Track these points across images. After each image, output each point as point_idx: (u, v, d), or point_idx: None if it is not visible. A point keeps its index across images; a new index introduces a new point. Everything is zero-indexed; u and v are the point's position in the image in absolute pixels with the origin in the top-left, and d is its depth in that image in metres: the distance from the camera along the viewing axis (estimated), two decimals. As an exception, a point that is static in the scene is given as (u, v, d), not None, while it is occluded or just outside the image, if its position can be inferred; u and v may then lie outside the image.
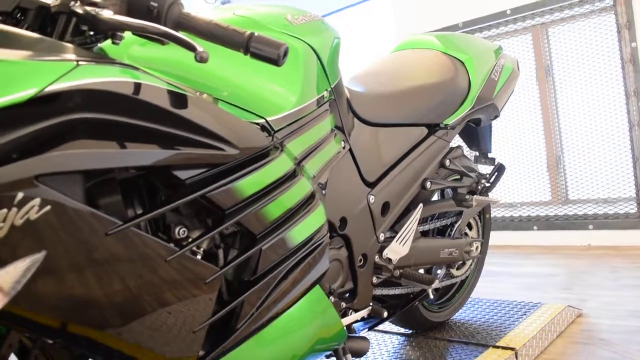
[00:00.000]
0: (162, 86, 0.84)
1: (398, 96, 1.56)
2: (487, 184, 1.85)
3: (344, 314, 1.41)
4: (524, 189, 3.57)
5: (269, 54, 0.84)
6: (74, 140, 0.72)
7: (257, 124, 1.06)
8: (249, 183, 0.98)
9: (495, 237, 3.40)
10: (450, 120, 1.68)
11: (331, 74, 1.28)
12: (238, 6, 1.20)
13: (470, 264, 1.96)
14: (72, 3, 0.82)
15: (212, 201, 0.92)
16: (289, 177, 1.09)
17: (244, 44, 0.84)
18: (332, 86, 1.27)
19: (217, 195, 0.92)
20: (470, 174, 1.78)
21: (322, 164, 1.24)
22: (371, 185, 1.44)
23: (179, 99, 0.85)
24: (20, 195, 0.67)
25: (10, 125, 0.66)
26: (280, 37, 1.13)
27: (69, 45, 0.77)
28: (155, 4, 0.83)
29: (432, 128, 1.65)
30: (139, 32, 0.81)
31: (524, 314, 2.04)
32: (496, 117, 1.87)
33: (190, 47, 0.79)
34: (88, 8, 0.80)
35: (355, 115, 1.44)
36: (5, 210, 0.66)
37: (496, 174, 1.85)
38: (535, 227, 3.39)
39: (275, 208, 1.04)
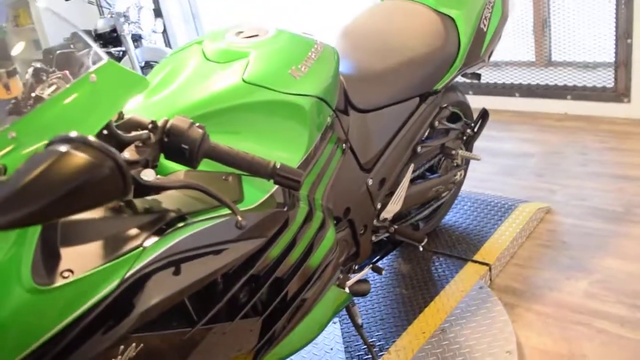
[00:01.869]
0: (207, 225, 1.00)
1: (390, 75, 1.65)
2: (472, 133, 2.02)
3: (348, 271, 1.71)
4: (509, 49, 3.66)
5: (291, 184, 1.00)
6: (149, 300, 0.93)
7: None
8: (277, 248, 1.19)
9: (480, 101, 3.60)
10: (440, 85, 1.79)
11: (333, 98, 1.39)
12: (237, 50, 1.27)
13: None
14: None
15: (252, 275, 1.14)
16: (306, 220, 1.29)
17: (268, 175, 0.99)
18: (334, 108, 1.39)
19: (255, 270, 1.14)
20: (457, 126, 1.94)
21: (329, 180, 1.42)
22: (369, 170, 1.63)
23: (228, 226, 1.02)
24: (121, 348, 0.91)
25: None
26: (287, 100, 1.23)
27: (137, 221, 0.93)
28: (186, 147, 0.96)
29: (423, 96, 1.77)
30: (179, 189, 0.96)
31: (500, 218, 2.36)
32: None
33: (231, 210, 0.95)
34: (132, 172, 0.92)
35: (351, 105, 1.56)
36: None
37: (480, 121, 2.00)
38: (517, 94, 3.57)
39: (297, 252, 1.26)
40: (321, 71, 1.32)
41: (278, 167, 0.99)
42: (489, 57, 1.95)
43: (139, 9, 4.57)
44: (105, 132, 0.93)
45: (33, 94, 0.97)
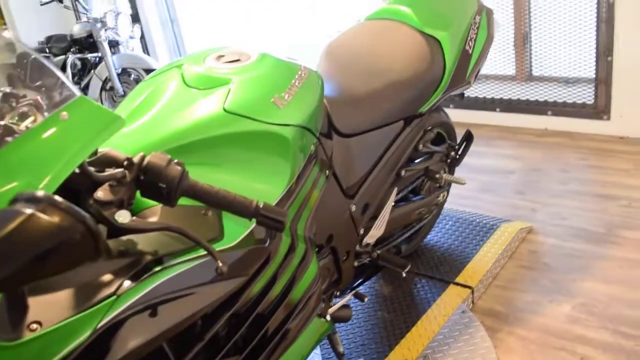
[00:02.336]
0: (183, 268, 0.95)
1: (374, 98, 1.62)
2: (456, 156, 1.99)
3: (329, 298, 1.67)
4: (490, 62, 3.67)
5: (275, 225, 0.95)
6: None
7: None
8: (258, 285, 1.14)
9: (461, 115, 3.60)
10: (425, 108, 1.76)
11: (317, 124, 1.35)
12: (218, 76, 1.22)
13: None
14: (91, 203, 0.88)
15: (232, 313, 1.09)
16: (288, 253, 1.24)
17: (251, 215, 0.94)
18: (317, 136, 1.35)
19: (235, 309, 1.09)
20: (440, 148, 1.92)
21: (312, 209, 1.37)
22: (352, 195, 1.59)
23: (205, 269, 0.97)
24: None
25: None
26: (270, 131, 1.18)
27: (111, 266, 0.87)
28: (164, 185, 0.90)
29: (408, 119, 1.75)
30: (157, 231, 0.91)
31: (482, 238, 2.34)
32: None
33: (211, 255, 0.90)
34: (105, 213, 0.87)
35: (334, 129, 1.52)
36: None
37: (464, 143, 1.98)
38: (497, 109, 3.57)
39: (278, 287, 1.22)
40: (305, 98, 1.28)
41: (261, 206, 0.94)
42: (475, 78, 1.93)
43: (116, 14, 4.48)
44: (77, 170, 0.88)
45: (2, 122, 0.91)
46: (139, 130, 1.13)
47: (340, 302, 1.65)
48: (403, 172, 1.75)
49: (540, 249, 2.32)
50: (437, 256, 2.27)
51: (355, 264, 1.72)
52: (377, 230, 1.73)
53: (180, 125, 1.12)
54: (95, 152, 0.97)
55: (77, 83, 5.22)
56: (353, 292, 1.68)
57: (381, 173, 1.67)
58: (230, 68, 1.26)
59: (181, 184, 0.91)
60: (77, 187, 0.90)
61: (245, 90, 1.19)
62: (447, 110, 2.12)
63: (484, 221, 2.48)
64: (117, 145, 1.10)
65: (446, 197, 2.16)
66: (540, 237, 2.40)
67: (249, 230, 1.13)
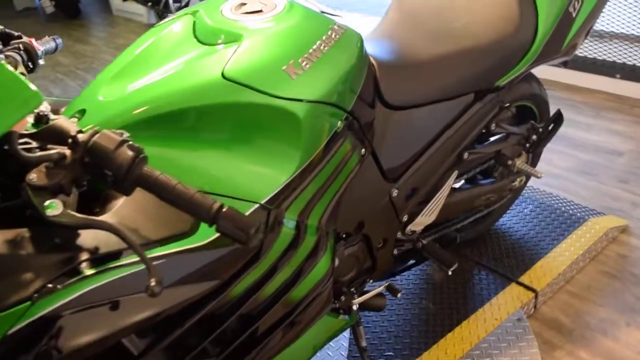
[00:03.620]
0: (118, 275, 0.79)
1: (439, 66, 1.33)
2: (538, 139, 1.66)
3: (360, 285, 1.47)
4: (614, 18, 3.13)
5: (237, 235, 0.76)
6: None
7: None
8: (240, 286, 0.97)
9: (569, 76, 3.14)
10: (503, 81, 1.45)
11: (348, 97, 1.11)
12: (230, 30, 1.02)
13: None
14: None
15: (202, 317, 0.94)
16: (290, 248, 1.06)
17: (208, 220, 0.76)
18: (349, 110, 1.12)
19: (205, 313, 0.93)
20: (519, 129, 1.60)
21: (333, 196, 1.17)
22: (395, 179, 1.35)
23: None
24: None
25: None
26: (275, 106, 0.97)
27: (35, 264, 0.73)
28: (110, 172, 0.74)
29: (480, 93, 1.45)
30: (85, 228, 0.75)
31: (564, 232, 2.02)
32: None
33: (146, 266, 0.73)
34: (35, 201, 0.72)
35: (381, 100, 1.27)
36: None
37: (552, 125, 1.63)
38: (617, 75, 3.07)
39: (271, 287, 1.04)
40: (331, 66, 1.04)
41: (223, 211, 0.75)
42: (575, 49, 1.57)
43: None
44: (6, 147, 0.73)
45: None
46: (128, 87, 0.96)
47: (371, 293, 1.46)
48: (466, 155, 1.47)
49: (632, 254, 1.97)
50: (505, 245, 1.99)
51: (396, 252, 1.51)
52: (426, 217, 1.49)
53: (173, 88, 0.93)
54: (46, 120, 0.82)
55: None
56: (386, 284, 1.47)
57: (437, 154, 1.41)
58: (247, 21, 1.04)
59: (130, 173, 0.73)
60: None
61: (254, 52, 0.98)
62: (552, 68, 1.76)
63: (571, 210, 2.14)
64: (102, 104, 0.94)
65: (525, 182, 1.85)
66: (635, 240, 2.04)
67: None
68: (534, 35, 1.43)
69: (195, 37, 1.04)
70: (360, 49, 1.12)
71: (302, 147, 1.02)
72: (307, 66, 1.00)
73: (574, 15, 1.50)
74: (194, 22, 1.07)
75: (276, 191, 1.01)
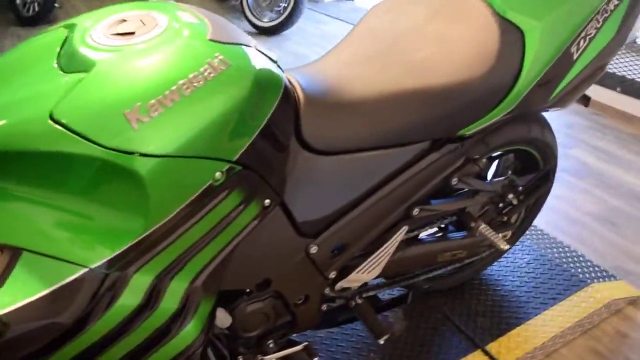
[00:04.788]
0: None
1: (384, 106, 1.10)
2: (516, 202, 1.38)
3: (281, 337, 1.30)
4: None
5: None
6: None
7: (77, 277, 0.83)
8: None
9: (630, 104, 2.75)
10: (469, 131, 1.20)
11: (231, 146, 0.91)
12: (85, 57, 0.84)
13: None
14: None
15: None
16: (136, 315, 0.89)
17: None
18: (234, 160, 0.92)
19: None
20: (491, 187, 1.34)
21: (212, 256, 0.98)
22: (315, 234, 1.15)
23: None
24: None
25: None
26: (107, 160, 0.78)
27: None
28: None
29: (437, 142, 1.21)
30: None
31: (557, 296, 1.75)
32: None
33: None
34: None
35: (304, 144, 1.07)
36: None
37: (536, 184, 1.35)
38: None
39: (109, 356, 0.89)
40: (195, 113, 0.84)
41: None
42: (570, 99, 1.29)
43: None
44: None
45: None
46: None
47: (285, 352, 1.28)
48: (416, 211, 1.24)
49: (633, 334, 1.68)
50: (484, 301, 1.74)
51: (325, 307, 1.31)
52: (365, 274, 1.28)
53: (3, 124, 0.78)
54: None
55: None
56: (305, 344, 1.28)
57: (375, 208, 1.19)
58: (110, 45, 0.86)
59: None
60: None
61: (96, 89, 0.80)
62: (605, 90, 1.46)
63: (576, 269, 1.85)
64: None
65: (514, 238, 1.59)
66: (643, 317, 1.74)
67: (48, 290, 0.80)
68: (514, 78, 1.16)
69: (58, 58, 0.87)
70: (255, 86, 0.91)
71: (151, 206, 0.84)
72: (156, 112, 0.81)
73: (575, 56, 1.21)
74: (64, 39, 0.90)
75: (115, 254, 0.84)
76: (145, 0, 1.02)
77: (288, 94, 1.01)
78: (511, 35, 1.15)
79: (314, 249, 1.15)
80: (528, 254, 1.91)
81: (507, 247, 1.33)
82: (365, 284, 1.37)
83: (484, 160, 1.30)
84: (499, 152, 1.41)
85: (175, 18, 0.93)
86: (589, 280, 1.80)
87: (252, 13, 4.30)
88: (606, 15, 1.24)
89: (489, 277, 1.82)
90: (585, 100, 1.56)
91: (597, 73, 1.28)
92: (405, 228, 1.27)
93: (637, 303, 1.78)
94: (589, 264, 1.89)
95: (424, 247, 1.39)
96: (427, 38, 1.19)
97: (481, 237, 1.34)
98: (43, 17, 4.31)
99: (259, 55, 0.97)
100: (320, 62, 1.20)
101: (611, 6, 1.24)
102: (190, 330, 0.98)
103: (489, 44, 1.14)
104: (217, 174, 0.90)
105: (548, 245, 1.96)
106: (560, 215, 2.15)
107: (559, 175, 2.39)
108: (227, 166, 0.91)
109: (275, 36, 4.19)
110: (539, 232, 2.02)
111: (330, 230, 1.16)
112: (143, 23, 0.91)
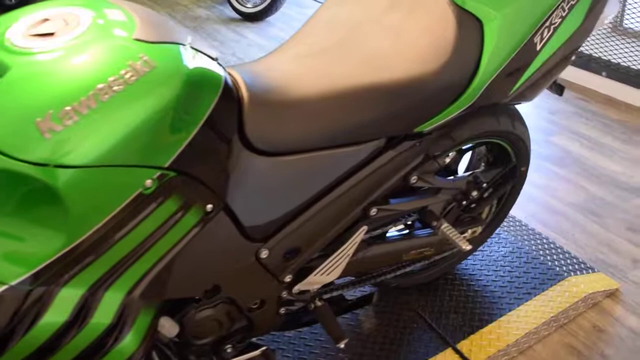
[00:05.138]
0: None
1: (334, 103, 1.05)
2: (480, 197, 1.34)
3: (240, 341, 1.26)
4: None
5: None
6: None
7: None
8: None
9: (617, 89, 2.70)
10: (427, 127, 1.15)
11: (161, 152, 0.85)
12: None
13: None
14: None
15: None
16: (67, 329, 0.85)
17: None
18: (166, 166, 0.87)
19: None
20: (453, 185, 1.29)
21: (151, 265, 0.94)
22: (265, 239, 1.10)
23: None
24: None
25: None
26: (23, 173, 0.73)
27: None
28: None
29: (393, 140, 1.15)
30: None
31: (532, 290, 1.70)
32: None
33: None
34: None
35: (248, 145, 1.01)
36: None
37: (501, 179, 1.29)
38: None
39: None
40: (115, 120, 0.78)
41: None
42: (531, 94, 1.23)
43: None
44: None
45: None
46: None
47: (243, 356, 1.24)
48: (373, 211, 1.19)
49: (610, 329, 1.64)
50: (457, 297, 1.70)
51: (283, 311, 1.27)
52: (323, 276, 1.24)
53: None
54: None
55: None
56: (264, 348, 1.24)
57: (329, 210, 1.14)
58: (28, 47, 0.80)
59: None
60: None
61: (6, 96, 0.74)
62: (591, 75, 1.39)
63: (553, 261, 1.81)
64: None
65: (487, 233, 1.54)
66: (620, 311, 1.69)
67: None
68: (472, 72, 1.11)
69: None
70: (186, 87, 0.86)
71: (71, 219, 0.79)
72: (71, 121, 0.75)
73: (538, 47, 1.16)
74: None
75: (38, 269, 0.80)
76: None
77: (229, 93, 0.96)
78: (469, 26, 1.10)
79: (264, 254, 1.10)
80: (504, 247, 1.87)
81: (468, 247, 1.28)
82: (328, 284, 1.33)
83: (446, 156, 1.25)
84: (468, 145, 1.36)
85: (101, 16, 0.87)
86: (565, 274, 1.76)
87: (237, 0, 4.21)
88: (573, 2, 1.18)
89: (463, 271, 1.78)
90: (559, 90, 1.50)
91: (563, 63, 1.23)
92: (364, 228, 1.22)
93: (615, 295, 1.74)
94: (567, 256, 1.84)
95: (387, 246, 1.34)
96: (384, 30, 1.13)
97: (443, 237, 1.29)
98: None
99: (194, 54, 0.91)
100: (269, 58, 1.14)
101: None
102: (128, 343, 0.93)
103: (446, 37, 1.08)
104: (148, 182, 0.86)
105: (525, 237, 1.91)
106: (539, 206, 2.10)
107: (540, 163, 2.34)
108: (157, 173, 0.86)
109: (259, 22, 4.11)
110: (517, 223, 1.98)
111: (281, 234, 1.11)
112: (65, 22, 0.85)
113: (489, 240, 1.87)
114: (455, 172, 1.48)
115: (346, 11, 1.21)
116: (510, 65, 1.13)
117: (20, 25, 0.85)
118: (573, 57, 1.28)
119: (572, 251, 1.88)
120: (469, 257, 1.81)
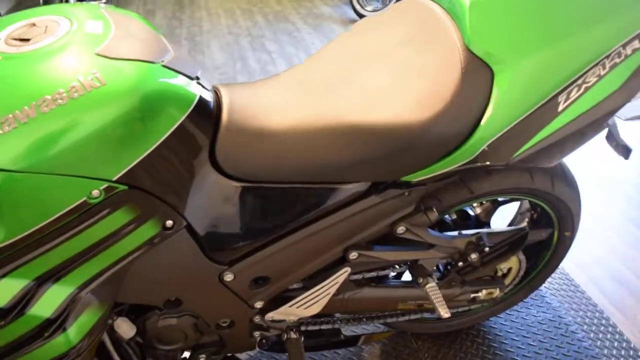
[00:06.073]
0: None
1: (317, 138, 1.00)
2: (480, 260, 1.20)
3: (212, 355, 1.27)
4: None
5: None
6: None
7: None
8: None
9: None
10: (415, 178, 1.06)
11: (110, 165, 0.87)
12: None
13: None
14: None
15: None
16: None
17: None
18: (114, 179, 0.89)
19: None
20: (446, 243, 1.17)
21: (102, 268, 0.97)
22: (230, 262, 1.09)
23: None
24: None
25: None
26: None
27: None
28: None
29: (378, 186, 1.08)
30: None
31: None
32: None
33: None
34: None
35: (218, 168, 1.00)
36: None
37: (508, 245, 1.15)
38: None
39: None
40: (56, 131, 0.80)
41: None
42: (542, 162, 1.08)
43: None
44: None
45: None
46: None
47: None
48: (353, 255, 1.13)
49: None
50: (471, 355, 1.57)
51: (258, 335, 1.26)
52: (299, 310, 1.20)
53: None
54: None
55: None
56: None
57: (301, 246, 1.09)
58: (1, 52, 0.86)
59: None
60: None
61: None
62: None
63: (592, 341, 1.61)
64: None
65: (520, 295, 1.41)
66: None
67: None
68: (472, 127, 1.00)
69: None
70: (141, 105, 0.86)
71: (8, 217, 0.84)
72: (9, 127, 0.79)
73: (560, 107, 1.01)
74: None
75: None
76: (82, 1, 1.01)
77: (202, 113, 0.95)
78: (477, 74, 0.99)
79: (229, 277, 1.09)
80: (544, 312, 1.69)
81: (447, 315, 1.17)
82: (318, 316, 1.29)
83: (439, 211, 1.15)
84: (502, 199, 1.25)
85: (78, 27, 0.90)
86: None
87: (358, 1, 4.22)
88: (617, 60, 1.02)
89: (489, 328, 1.64)
90: (625, 152, 1.32)
91: (590, 131, 1.07)
92: (347, 270, 1.17)
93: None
94: (617, 337, 1.63)
95: (379, 292, 1.27)
96: (390, 65, 1.06)
97: (426, 295, 1.19)
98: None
99: (164, 72, 0.92)
100: (266, 82, 1.12)
101: (628, 50, 1.02)
102: (67, 338, 0.97)
103: (447, 83, 0.99)
104: (94, 192, 0.88)
105: (574, 307, 1.72)
106: (606, 272, 1.88)
107: (625, 225, 2.09)
108: (104, 185, 0.88)
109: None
110: (572, 287, 1.78)
111: (248, 261, 1.09)
112: (45, 30, 0.89)
113: (528, 301, 1.70)
114: (486, 224, 1.37)
115: (363, 40, 1.15)
116: (522, 124, 1.01)
117: (9, 29, 0.91)
118: (610, 122, 1.11)
119: (627, 334, 1.66)
120: (500, 315, 1.67)
